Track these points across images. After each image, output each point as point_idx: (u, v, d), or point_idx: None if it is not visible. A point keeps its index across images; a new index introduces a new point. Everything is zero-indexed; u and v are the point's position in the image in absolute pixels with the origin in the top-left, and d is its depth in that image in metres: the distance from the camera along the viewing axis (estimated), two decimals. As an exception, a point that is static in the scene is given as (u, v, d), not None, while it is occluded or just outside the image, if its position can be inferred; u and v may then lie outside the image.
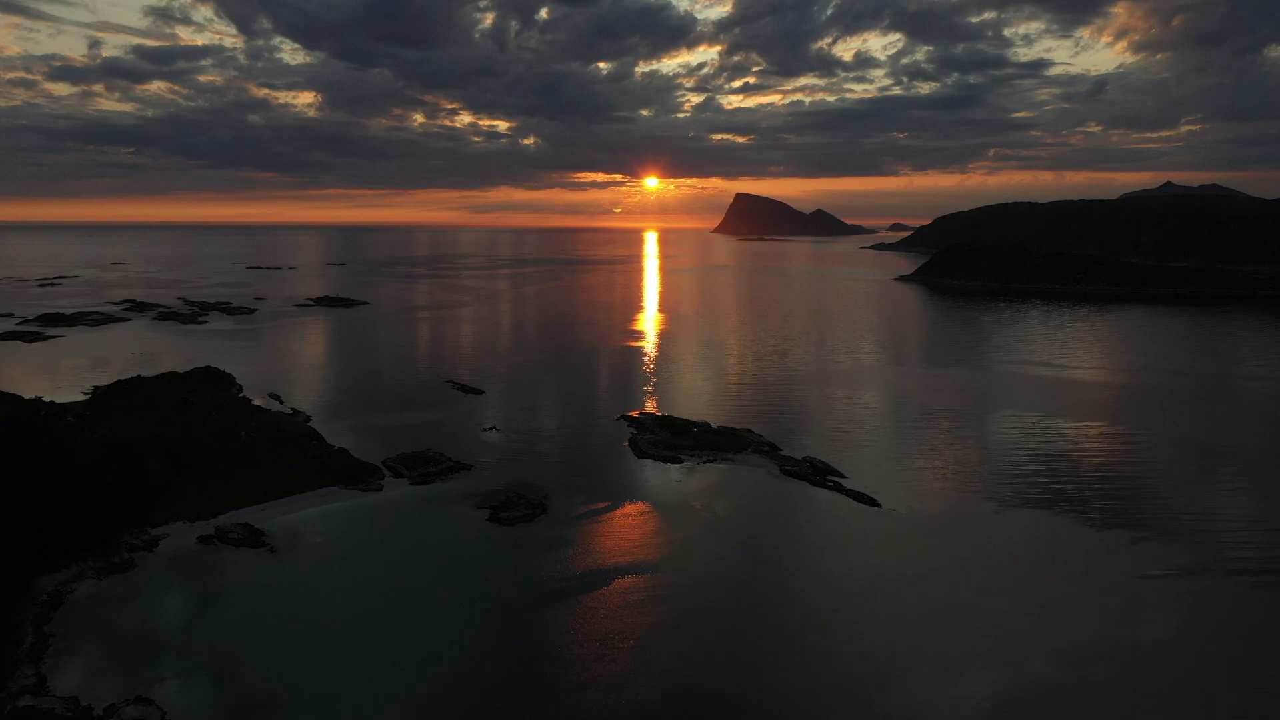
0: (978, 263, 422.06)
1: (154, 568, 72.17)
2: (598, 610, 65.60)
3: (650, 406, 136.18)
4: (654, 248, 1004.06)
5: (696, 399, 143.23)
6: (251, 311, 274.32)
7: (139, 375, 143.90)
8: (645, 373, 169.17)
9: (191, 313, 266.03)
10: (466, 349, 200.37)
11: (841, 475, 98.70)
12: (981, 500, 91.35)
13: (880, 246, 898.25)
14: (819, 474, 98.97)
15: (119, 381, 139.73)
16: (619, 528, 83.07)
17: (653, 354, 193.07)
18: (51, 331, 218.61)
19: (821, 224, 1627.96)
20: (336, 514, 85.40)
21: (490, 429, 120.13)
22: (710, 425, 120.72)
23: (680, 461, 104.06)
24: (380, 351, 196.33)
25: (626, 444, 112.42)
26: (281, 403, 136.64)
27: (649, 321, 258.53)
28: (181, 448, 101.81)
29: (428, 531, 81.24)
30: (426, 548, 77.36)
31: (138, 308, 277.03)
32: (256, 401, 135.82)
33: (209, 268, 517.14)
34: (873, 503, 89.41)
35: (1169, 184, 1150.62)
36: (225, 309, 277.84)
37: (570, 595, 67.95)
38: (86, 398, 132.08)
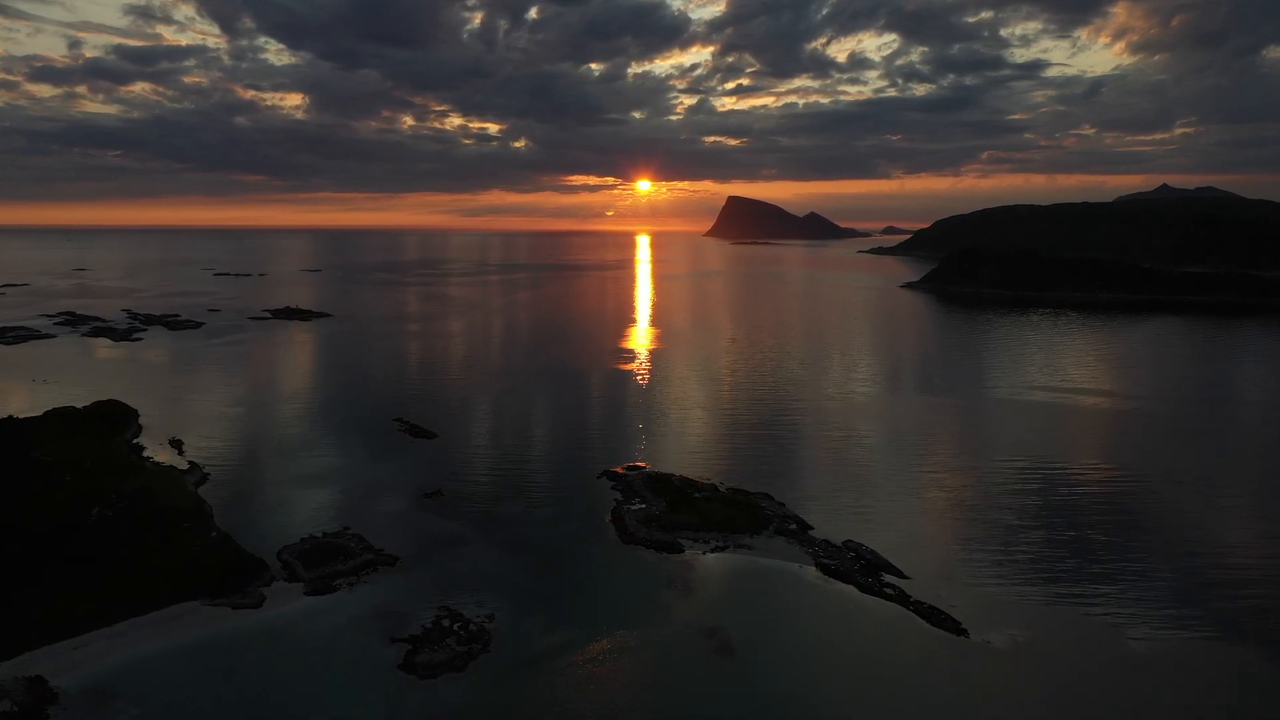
0: (987, 267, 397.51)
1: None
2: None
3: (640, 456, 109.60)
4: (646, 252, 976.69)
5: (696, 443, 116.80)
6: (198, 325, 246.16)
7: (10, 416, 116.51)
8: (635, 405, 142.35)
9: (129, 327, 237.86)
10: (427, 374, 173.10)
11: (901, 574, 72.42)
12: (1102, 621, 64.97)
13: (878, 250, 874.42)
14: (870, 571, 72.70)
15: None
16: (591, 683, 56.28)
17: (644, 380, 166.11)
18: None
19: (815, 227, 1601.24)
20: (181, 656, 58.50)
21: (434, 494, 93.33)
22: (717, 487, 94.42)
23: (681, 550, 77.42)
24: (326, 377, 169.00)
25: (609, 519, 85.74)
26: (181, 452, 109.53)
27: (640, 337, 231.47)
28: None
29: (305, 695, 54.33)
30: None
31: (72, 321, 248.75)
32: (148, 450, 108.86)
33: (175, 274, 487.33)
34: (956, 627, 63.05)
35: (1164, 186, 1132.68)
36: (170, 322, 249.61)
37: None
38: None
